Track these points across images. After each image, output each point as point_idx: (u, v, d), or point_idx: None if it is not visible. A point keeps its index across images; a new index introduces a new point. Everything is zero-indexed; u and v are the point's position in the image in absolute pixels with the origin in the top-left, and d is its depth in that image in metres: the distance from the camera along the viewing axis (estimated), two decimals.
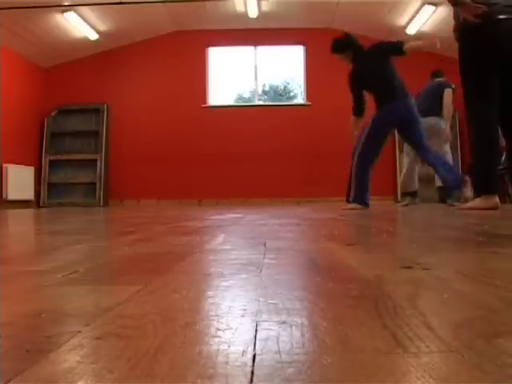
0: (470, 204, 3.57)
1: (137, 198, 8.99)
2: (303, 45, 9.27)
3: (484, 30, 3.25)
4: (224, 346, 0.43)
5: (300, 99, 9.60)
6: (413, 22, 7.95)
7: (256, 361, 0.39)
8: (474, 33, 3.30)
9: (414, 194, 5.97)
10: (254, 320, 0.52)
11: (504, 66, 3.33)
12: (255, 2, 8.00)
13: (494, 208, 3.36)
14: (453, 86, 5.72)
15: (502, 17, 3.25)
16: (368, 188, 4.68)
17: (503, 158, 7.48)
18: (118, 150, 9.09)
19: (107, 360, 0.40)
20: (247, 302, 0.61)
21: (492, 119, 3.37)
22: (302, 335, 0.46)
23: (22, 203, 8.21)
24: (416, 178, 5.94)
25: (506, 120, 3.40)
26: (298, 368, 0.37)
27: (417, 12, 7.67)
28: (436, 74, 6.01)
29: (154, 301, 0.63)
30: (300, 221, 2.71)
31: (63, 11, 7.49)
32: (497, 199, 3.41)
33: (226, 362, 0.39)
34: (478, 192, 3.50)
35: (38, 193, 8.86)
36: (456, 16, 3.45)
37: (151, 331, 0.48)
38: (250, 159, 8.89)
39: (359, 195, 4.69)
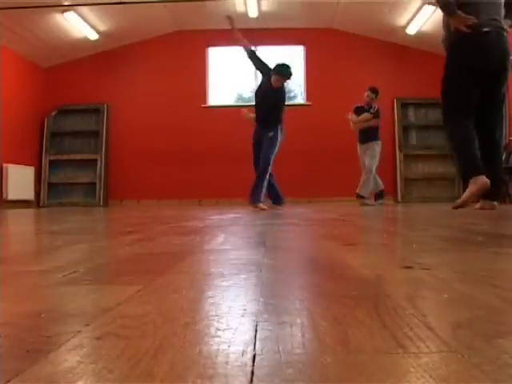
0: (463, 197, 3.55)
1: (137, 198, 8.99)
2: (303, 45, 9.27)
3: (473, 41, 3.43)
4: (224, 346, 0.43)
5: (300, 99, 9.59)
6: (413, 21, 7.96)
7: (256, 361, 0.39)
8: (464, 43, 3.48)
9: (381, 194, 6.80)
10: (253, 320, 0.52)
11: (487, 77, 3.50)
12: (255, 2, 8.00)
13: (485, 187, 3.36)
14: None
15: (487, 29, 3.44)
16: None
17: (503, 157, 7.51)
18: (117, 150, 9.09)
19: (107, 360, 0.40)
20: (247, 302, 0.61)
21: (467, 122, 3.52)
22: (302, 335, 0.46)
23: (22, 203, 8.21)
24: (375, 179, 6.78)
25: (481, 128, 3.54)
26: (298, 368, 0.37)
27: (417, 12, 7.67)
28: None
29: (154, 301, 0.63)
30: (300, 221, 2.70)
31: (63, 11, 7.48)
32: (484, 178, 3.38)
33: (226, 362, 0.39)
34: (465, 177, 3.51)
35: (38, 193, 8.86)
36: (446, 26, 3.61)
37: (151, 331, 0.48)
38: (250, 159, 8.86)
39: None
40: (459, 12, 3.40)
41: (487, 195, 3.56)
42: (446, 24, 3.60)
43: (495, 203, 3.60)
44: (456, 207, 3.59)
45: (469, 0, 3.43)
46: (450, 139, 3.68)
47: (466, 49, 3.49)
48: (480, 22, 3.41)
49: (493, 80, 3.53)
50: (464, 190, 3.69)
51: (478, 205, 3.68)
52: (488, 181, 3.40)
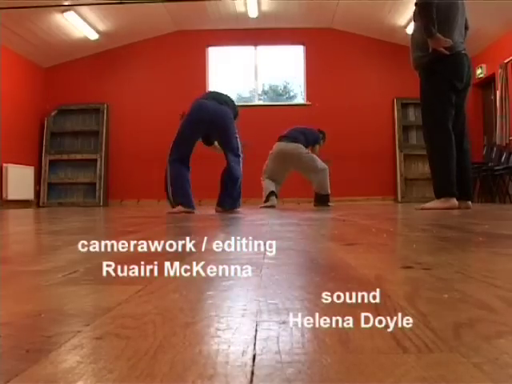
0: (430, 204, 3.94)
1: (137, 198, 8.98)
2: (303, 45, 9.27)
3: (449, 60, 3.88)
4: (224, 346, 0.43)
5: (300, 99, 9.59)
6: (413, 21, 7.95)
7: (256, 361, 0.39)
8: (442, 62, 3.89)
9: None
10: (253, 320, 0.52)
11: (459, 91, 3.97)
12: (255, 2, 8.00)
13: (453, 208, 3.77)
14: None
15: (458, 50, 3.91)
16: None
17: (503, 157, 7.50)
18: (117, 150, 9.08)
19: (107, 360, 0.40)
20: (247, 302, 0.61)
21: (450, 131, 3.93)
22: (302, 335, 0.46)
23: (22, 203, 8.21)
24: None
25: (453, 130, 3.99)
26: (298, 368, 0.37)
27: None
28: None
29: (154, 301, 0.63)
30: (300, 221, 2.70)
31: (63, 11, 7.48)
32: (455, 201, 3.83)
33: (226, 362, 0.39)
34: (439, 195, 3.91)
35: (37, 193, 8.86)
36: (420, 46, 4.00)
37: (151, 331, 0.48)
38: (249, 159, 8.85)
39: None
40: (438, 34, 3.80)
41: (462, 196, 3.92)
42: (421, 44, 3.99)
43: (470, 203, 3.99)
44: (420, 209, 3.99)
45: (446, 23, 3.88)
46: (433, 151, 4.01)
47: (444, 67, 3.92)
48: (453, 43, 3.85)
49: (461, 94, 3.99)
50: (469, 191, 3.97)
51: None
52: (457, 203, 3.83)
